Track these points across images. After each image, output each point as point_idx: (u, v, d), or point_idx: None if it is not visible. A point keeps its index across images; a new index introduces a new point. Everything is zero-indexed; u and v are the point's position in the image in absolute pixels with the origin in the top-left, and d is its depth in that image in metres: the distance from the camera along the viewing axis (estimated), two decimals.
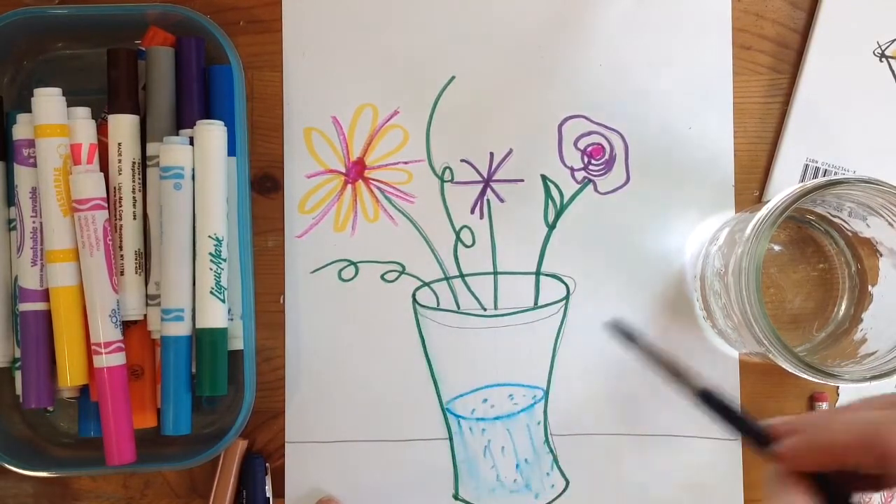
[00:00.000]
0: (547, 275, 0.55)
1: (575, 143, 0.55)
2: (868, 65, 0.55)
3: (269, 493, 0.53)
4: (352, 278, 0.55)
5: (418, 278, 0.55)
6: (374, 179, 0.55)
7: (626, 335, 0.41)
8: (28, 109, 0.50)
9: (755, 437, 0.36)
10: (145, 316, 0.51)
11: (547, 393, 0.55)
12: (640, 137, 0.55)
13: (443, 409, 0.55)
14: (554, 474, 0.55)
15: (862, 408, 0.34)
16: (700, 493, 0.54)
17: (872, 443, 0.31)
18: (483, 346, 0.55)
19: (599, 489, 0.55)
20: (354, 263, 0.55)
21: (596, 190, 0.55)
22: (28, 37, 0.53)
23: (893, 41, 0.55)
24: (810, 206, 0.53)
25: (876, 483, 0.33)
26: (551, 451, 0.55)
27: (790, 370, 0.46)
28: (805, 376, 0.46)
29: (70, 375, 0.49)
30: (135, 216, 0.51)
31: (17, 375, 0.52)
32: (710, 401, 0.37)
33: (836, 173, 0.55)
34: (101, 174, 0.50)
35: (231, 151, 0.52)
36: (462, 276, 0.55)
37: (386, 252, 0.55)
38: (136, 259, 0.51)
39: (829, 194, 0.48)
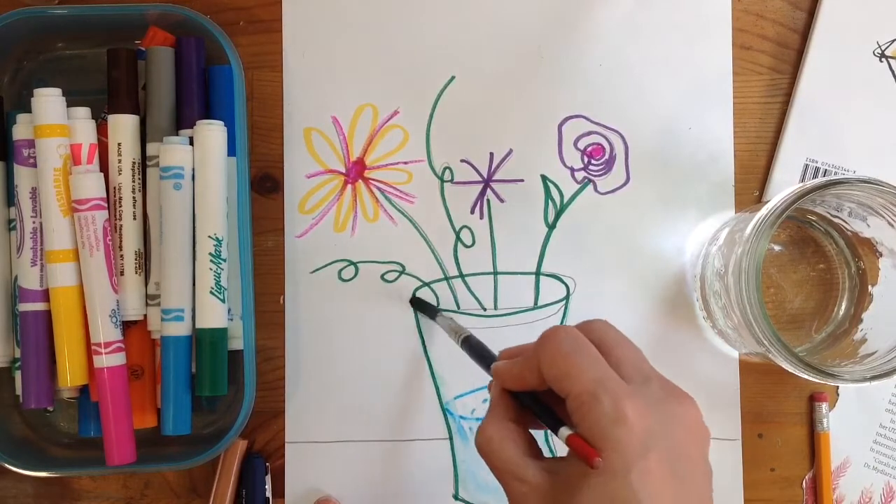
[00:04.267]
0: (547, 275, 0.55)
1: (575, 143, 0.55)
2: (868, 65, 0.55)
3: (268, 493, 0.53)
4: (352, 278, 0.55)
5: (418, 278, 0.55)
6: (374, 179, 0.55)
7: (424, 307, 0.54)
8: (28, 109, 0.50)
9: (486, 361, 0.43)
10: (145, 316, 0.51)
11: None
12: (640, 137, 0.55)
13: (443, 409, 0.55)
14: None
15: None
16: None
17: (535, 368, 0.38)
18: None
19: None
20: (354, 263, 0.55)
21: (596, 190, 0.55)
22: (28, 37, 0.54)
23: (893, 41, 0.55)
24: (810, 206, 0.53)
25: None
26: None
27: (790, 370, 0.46)
28: (805, 376, 0.46)
29: (70, 375, 0.49)
30: (135, 216, 0.51)
31: (17, 375, 0.52)
32: (471, 346, 0.46)
33: (836, 173, 0.55)
34: (101, 174, 0.50)
35: (231, 151, 0.52)
36: (462, 276, 0.55)
37: (386, 252, 0.55)
38: (136, 259, 0.51)
39: (829, 194, 0.48)
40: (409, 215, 0.55)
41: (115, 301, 0.50)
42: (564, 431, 0.36)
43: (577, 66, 0.55)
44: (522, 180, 0.55)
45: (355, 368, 0.55)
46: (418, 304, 0.54)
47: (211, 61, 0.53)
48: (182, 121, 0.52)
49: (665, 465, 0.34)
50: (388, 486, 0.54)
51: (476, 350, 0.45)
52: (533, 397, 0.39)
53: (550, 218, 0.55)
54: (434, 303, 0.55)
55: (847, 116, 0.55)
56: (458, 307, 0.55)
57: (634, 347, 0.39)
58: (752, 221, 0.46)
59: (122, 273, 0.51)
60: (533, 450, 0.39)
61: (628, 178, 0.55)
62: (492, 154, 0.55)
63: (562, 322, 0.55)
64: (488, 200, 0.55)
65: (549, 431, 0.40)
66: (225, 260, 0.51)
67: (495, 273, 0.55)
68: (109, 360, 0.49)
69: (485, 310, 0.55)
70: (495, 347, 0.54)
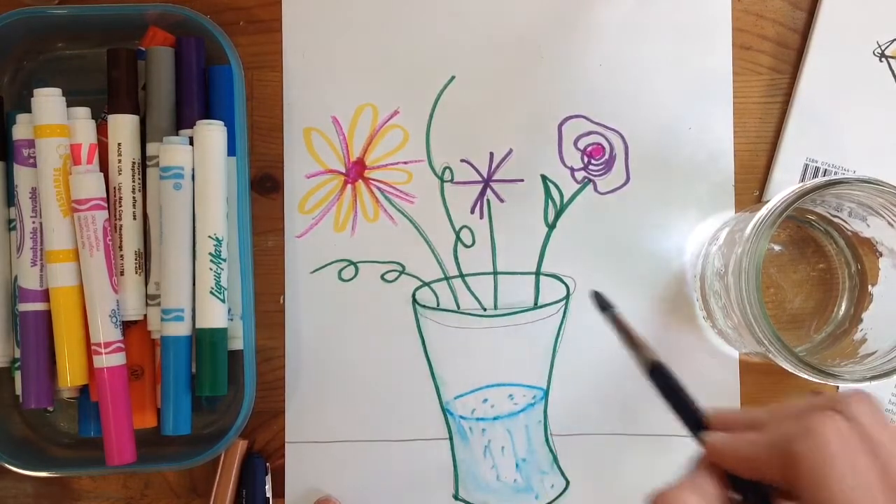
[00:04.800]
0: (547, 275, 0.55)
1: (575, 143, 0.55)
2: (868, 65, 0.55)
3: (269, 493, 0.53)
4: (352, 278, 0.55)
5: (418, 278, 0.55)
6: (373, 179, 0.55)
7: (602, 305, 0.43)
8: (28, 109, 0.50)
9: (690, 420, 0.36)
10: (145, 316, 0.51)
11: (547, 393, 0.55)
12: (640, 137, 0.55)
13: (443, 409, 0.55)
14: (554, 474, 0.55)
15: (789, 413, 0.33)
16: None
17: (784, 464, 0.31)
18: (483, 346, 0.55)
19: (599, 489, 0.55)
20: (354, 263, 0.55)
21: (596, 190, 0.55)
22: (28, 37, 0.54)
23: (893, 41, 0.55)
24: (810, 206, 0.53)
25: (791, 496, 0.32)
26: (551, 450, 0.55)
27: (790, 370, 0.46)
28: (805, 376, 0.46)
29: (70, 375, 0.49)
30: (135, 216, 0.51)
31: (17, 375, 0.52)
32: (659, 377, 0.37)
33: (836, 173, 0.55)
34: (101, 174, 0.50)
35: (231, 151, 0.52)
36: (462, 276, 0.55)
37: (386, 252, 0.55)
38: (136, 259, 0.51)
39: (829, 194, 0.48)
40: (409, 215, 0.55)
41: (115, 301, 0.50)
42: None
43: (577, 66, 0.55)
44: (522, 180, 0.55)
45: (355, 368, 0.55)
46: (599, 301, 0.44)
47: (211, 61, 0.53)
48: (182, 121, 0.52)
49: None
50: (388, 486, 0.54)
51: (674, 391, 0.37)
52: (757, 493, 0.33)
53: (550, 218, 0.55)
54: (434, 303, 0.55)
55: (847, 116, 0.55)
56: (458, 307, 0.55)
57: None
58: (752, 221, 0.46)
59: (122, 273, 0.51)
60: None
61: (628, 178, 0.55)
62: (492, 154, 0.55)
63: (561, 323, 0.55)
64: (488, 200, 0.55)
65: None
66: (225, 260, 0.51)
67: (495, 273, 0.55)
68: (109, 360, 0.49)
69: (485, 310, 0.55)
70: (497, 348, 0.55)
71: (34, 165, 0.50)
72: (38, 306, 0.50)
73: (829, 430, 0.31)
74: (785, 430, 0.32)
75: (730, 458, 0.33)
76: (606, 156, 0.55)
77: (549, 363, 0.55)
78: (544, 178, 0.55)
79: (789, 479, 0.31)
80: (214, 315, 0.51)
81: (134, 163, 0.51)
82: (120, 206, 0.51)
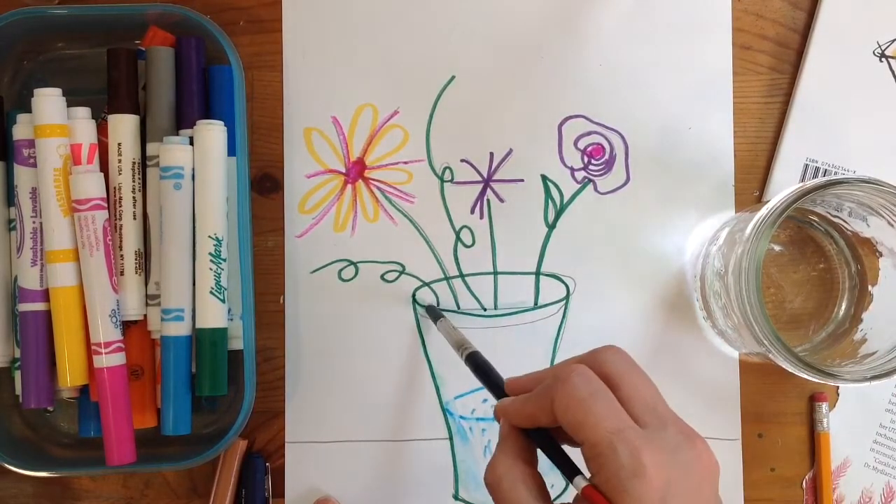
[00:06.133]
0: (547, 275, 0.55)
1: (575, 143, 0.55)
2: (868, 65, 0.55)
3: (268, 493, 0.53)
4: (352, 278, 0.55)
5: (418, 278, 0.55)
6: (374, 179, 0.55)
7: (434, 316, 0.52)
8: (28, 109, 0.50)
9: (495, 390, 0.43)
10: (145, 316, 0.51)
11: None
12: (640, 137, 0.55)
13: (443, 409, 0.55)
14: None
15: (554, 371, 0.39)
16: None
17: (548, 411, 0.37)
18: (483, 346, 0.54)
19: None
20: (354, 263, 0.55)
21: (596, 190, 0.55)
22: (28, 37, 0.54)
23: (893, 41, 0.55)
24: (810, 206, 0.53)
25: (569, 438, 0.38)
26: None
27: (790, 370, 0.46)
28: (805, 376, 0.46)
29: (70, 375, 0.49)
30: (135, 216, 0.51)
31: (17, 375, 0.52)
32: (473, 361, 0.45)
33: (836, 173, 0.55)
34: (101, 174, 0.50)
35: (231, 151, 0.52)
36: (462, 276, 0.55)
37: (386, 252, 0.55)
38: (136, 259, 0.51)
39: (829, 194, 0.48)
40: (409, 215, 0.55)
41: (115, 301, 0.50)
42: (580, 481, 0.36)
43: (577, 66, 0.56)
44: (522, 180, 0.55)
45: (355, 368, 0.55)
46: (425, 307, 0.54)
47: (211, 61, 0.53)
48: (182, 121, 0.52)
49: None
50: (388, 486, 0.54)
51: (482, 370, 0.45)
52: (544, 438, 0.38)
53: (550, 218, 0.55)
54: (434, 302, 0.55)
55: (847, 116, 0.55)
56: (458, 307, 0.55)
57: (648, 382, 0.38)
58: (752, 221, 0.46)
59: (122, 273, 0.51)
60: (543, 493, 0.38)
61: (628, 178, 0.55)
62: (492, 154, 0.55)
63: (561, 322, 0.55)
64: (488, 200, 0.55)
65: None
66: (225, 260, 0.51)
67: (495, 273, 0.55)
68: (109, 360, 0.49)
69: (485, 310, 0.55)
70: (497, 348, 0.55)
71: (34, 165, 0.50)
72: (38, 306, 0.50)
73: (573, 378, 0.36)
74: (546, 384, 0.38)
75: (514, 416, 0.39)
76: (606, 156, 0.55)
77: (549, 363, 0.55)
78: (544, 178, 0.55)
79: (555, 422, 0.37)
80: (214, 315, 0.51)
81: (134, 163, 0.51)
82: (120, 206, 0.51)
